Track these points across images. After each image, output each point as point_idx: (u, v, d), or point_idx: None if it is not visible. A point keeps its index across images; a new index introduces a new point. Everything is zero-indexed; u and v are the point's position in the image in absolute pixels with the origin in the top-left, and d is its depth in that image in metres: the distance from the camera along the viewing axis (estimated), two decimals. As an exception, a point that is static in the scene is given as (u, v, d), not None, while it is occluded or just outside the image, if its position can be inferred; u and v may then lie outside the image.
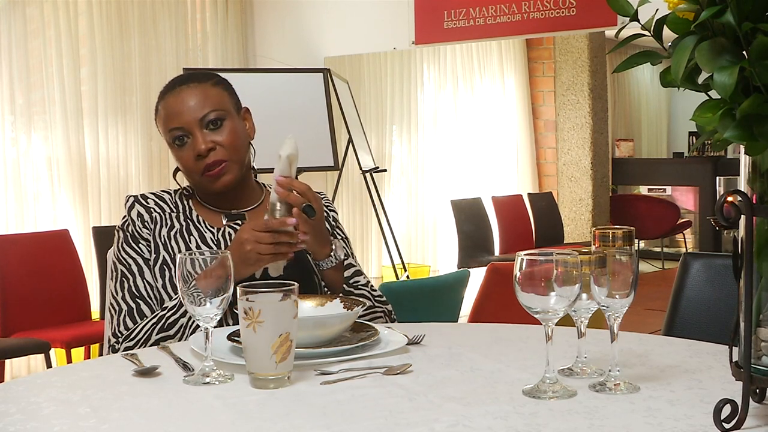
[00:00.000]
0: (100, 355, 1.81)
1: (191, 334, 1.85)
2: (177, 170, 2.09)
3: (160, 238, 2.00)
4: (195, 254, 1.53)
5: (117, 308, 1.95)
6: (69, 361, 4.27)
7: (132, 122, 5.65)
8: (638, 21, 1.30)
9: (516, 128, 8.87)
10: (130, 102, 5.65)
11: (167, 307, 1.89)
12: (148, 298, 1.95)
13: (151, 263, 1.98)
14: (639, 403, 1.32)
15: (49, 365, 4.23)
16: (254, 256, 1.81)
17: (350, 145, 5.69)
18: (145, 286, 1.96)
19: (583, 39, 8.52)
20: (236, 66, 6.15)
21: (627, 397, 1.35)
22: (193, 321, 1.82)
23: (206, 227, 2.03)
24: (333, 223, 2.17)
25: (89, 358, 4.49)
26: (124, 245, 2.00)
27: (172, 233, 2.01)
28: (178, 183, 2.10)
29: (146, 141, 5.71)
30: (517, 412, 1.29)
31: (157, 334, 1.86)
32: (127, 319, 1.93)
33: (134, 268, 1.97)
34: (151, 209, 2.03)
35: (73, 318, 4.60)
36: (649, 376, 1.47)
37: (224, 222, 2.05)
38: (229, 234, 2.02)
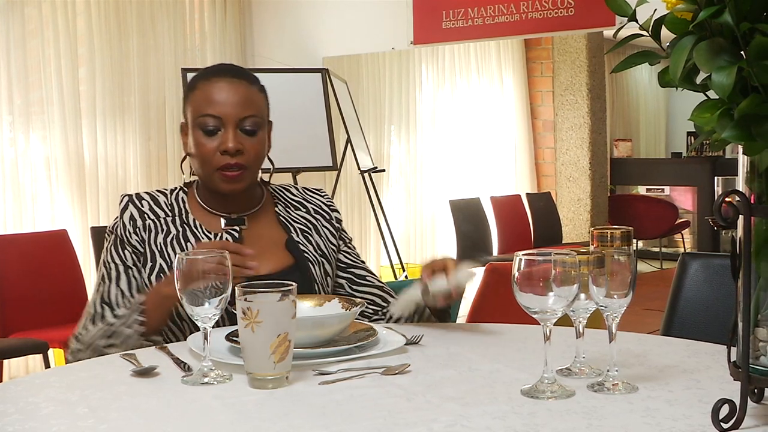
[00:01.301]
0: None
1: (134, 345, 1.80)
2: (186, 158, 2.03)
3: (156, 246, 1.95)
4: (190, 254, 1.52)
5: (87, 310, 1.94)
6: (67, 361, 4.26)
7: (130, 122, 5.65)
8: (636, 21, 1.30)
9: (514, 128, 8.87)
10: (128, 102, 5.64)
11: (117, 315, 1.86)
12: (115, 306, 1.91)
13: (134, 271, 1.94)
14: (637, 403, 1.32)
15: (47, 365, 4.23)
16: (197, 274, 1.68)
17: (349, 145, 5.69)
18: (116, 294, 1.92)
19: (581, 39, 8.52)
20: (234, 66, 6.14)
21: (625, 397, 1.35)
22: (135, 334, 1.80)
23: (203, 232, 1.98)
24: (337, 225, 2.13)
25: (87, 358, 4.48)
26: (111, 248, 1.97)
27: (169, 240, 1.96)
28: (182, 170, 2.04)
29: (144, 141, 5.71)
30: (515, 412, 1.29)
31: (100, 340, 1.83)
32: (89, 323, 1.91)
33: (113, 273, 1.94)
34: (145, 215, 1.98)
35: (72, 318, 4.55)
36: (647, 376, 1.48)
37: (222, 226, 2.00)
38: (227, 240, 1.97)
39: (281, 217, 2.07)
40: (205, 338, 1.50)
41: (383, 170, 6.98)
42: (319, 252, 2.05)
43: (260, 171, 2.10)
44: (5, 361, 4.50)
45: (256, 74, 2.04)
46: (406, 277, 6.06)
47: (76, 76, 5.38)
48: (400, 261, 6.18)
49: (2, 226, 5.04)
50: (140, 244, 1.95)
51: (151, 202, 2.01)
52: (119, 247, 1.96)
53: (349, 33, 6.12)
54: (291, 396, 1.40)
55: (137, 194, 2.03)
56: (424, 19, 5.73)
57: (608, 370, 1.41)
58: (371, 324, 1.82)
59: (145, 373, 1.54)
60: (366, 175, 5.87)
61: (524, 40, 8.78)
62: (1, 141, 5.06)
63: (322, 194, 2.19)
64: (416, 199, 8.09)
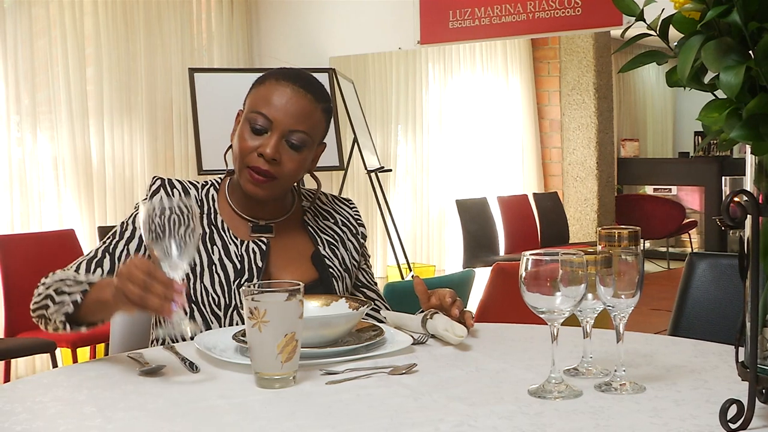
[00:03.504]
0: (106, 354, 1.80)
1: (55, 321, 1.76)
2: (230, 148, 1.98)
3: None
4: (164, 203, 1.54)
5: (89, 252, 1.93)
6: (75, 360, 4.27)
7: (137, 122, 5.66)
8: (644, 21, 1.30)
9: (521, 128, 8.86)
10: (135, 102, 5.66)
11: (79, 279, 1.76)
12: (116, 259, 1.89)
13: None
14: (644, 404, 1.32)
15: (54, 365, 4.24)
16: (120, 296, 1.55)
17: (355, 144, 5.69)
18: (122, 252, 1.90)
19: (588, 39, 8.51)
20: (241, 66, 6.15)
21: (632, 398, 1.35)
22: (65, 305, 1.74)
23: (231, 238, 1.95)
24: (362, 241, 2.12)
25: (95, 357, 4.49)
26: (135, 214, 1.93)
27: None
28: (225, 160, 1.99)
29: (152, 140, 5.72)
30: (522, 412, 1.29)
31: (58, 284, 1.77)
32: (84, 263, 1.88)
33: (127, 233, 1.92)
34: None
35: (79, 317, 4.59)
36: (654, 376, 1.47)
37: (250, 233, 1.97)
38: (254, 250, 1.94)
39: (309, 227, 2.05)
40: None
41: (390, 170, 6.99)
42: (343, 266, 2.03)
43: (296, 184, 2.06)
44: (12, 361, 4.51)
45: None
46: (413, 276, 6.07)
47: (84, 75, 5.39)
48: (407, 261, 6.18)
49: (9, 225, 5.05)
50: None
51: (182, 194, 1.98)
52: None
53: (356, 33, 6.13)
54: (298, 396, 1.40)
55: (169, 180, 1.99)
56: (430, 19, 5.73)
57: (615, 370, 1.41)
58: (378, 323, 1.82)
59: (153, 372, 1.54)
60: (373, 174, 5.87)
61: (531, 39, 8.77)
62: (9, 140, 5.08)
63: (351, 206, 2.15)
64: (423, 199, 8.09)
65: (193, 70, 5.20)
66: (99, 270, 1.89)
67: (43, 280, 1.85)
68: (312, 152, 1.96)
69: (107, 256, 1.91)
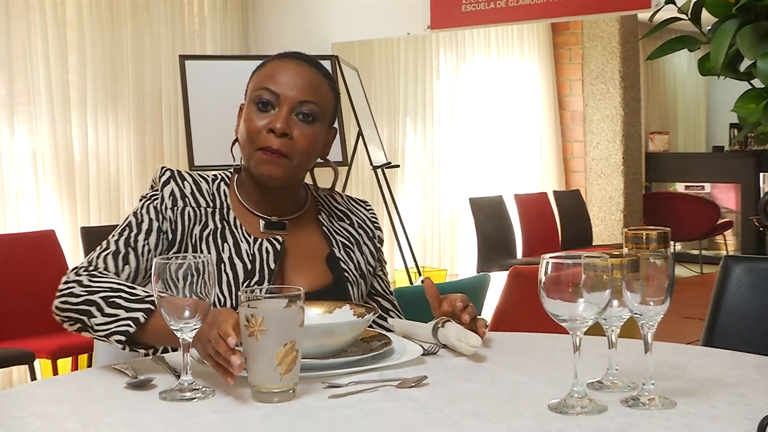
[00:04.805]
0: (89, 366, 1.80)
1: (106, 336, 1.73)
2: (236, 141, 1.99)
3: (191, 238, 1.92)
4: (173, 260, 1.49)
5: (105, 245, 1.89)
6: (55, 372, 4.28)
7: (123, 114, 5.67)
8: (674, 3, 1.30)
9: (540, 120, 8.86)
10: (121, 92, 5.66)
11: (136, 293, 1.74)
12: (140, 255, 1.88)
13: (164, 237, 1.91)
14: (675, 420, 1.32)
15: (33, 377, 4.25)
16: (199, 345, 1.55)
17: (360, 138, 5.69)
18: (144, 245, 1.89)
19: (613, 23, 8.50)
20: (236, 53, 6.16)
21: (662, 413, 1.35)
22: (125, 324, 1.70)
23: (243, 235, 1.94)
24: (378, 245, 2.13)
25: (77, 369, 4.50)
26: (148, 204, 1.93)
27: (206, 233, 1.93)
28: (232, 154, 2.00)
29: (139, 134, 5.73)
30: (542, 428, 1.29)
31: (102, 295, 1.75)
32: (110, 258, 1.86)
33: (144, 226, 1.91)
34: (187, 199, 1.94)
35: (60, 326, 4.56)
36: (686, 390, 1.47)
37: (262, 230, 1.97)
38: (267, 249, 1.93)
39: (324, 227, 2.06)
40: (187, 350, 1.50)
41: (398, 166, 6.98)
42: (359, 271, 2.04)
43: (311, 175, 2.08)
44: (-12, 373, 4.52)
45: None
46: (422, 281, 6.07)
47: (65, 64, 5.40)
48: (416, 264, 6.18)
49: (-15, 226, 5.06)
50: (172, 225, 1.92)
51: (194, 186, 1.98)
52: (157, 210, 1.92)
53: (361, 17, 6.13)
54: (298, 410, 1.40)
55: (179, 172, 1.99)
56: (442, 2, 5.73)
57: (644, 384, 1.41)
58: (386, 332, 1.82)
59: (141, 385, 1.54)
60: (379, 171, 5.87)
61: (551, 24, 8.76)
62: (-16, 134, 5.09)
63: (367, 207, 2.18)
64: (433, 197, 8.09)
65: (184, 57, 5.21)
66: (127, 267, 1.87)
67: (76, 278, 1.81)
68: (324, 128, 1.98)
69: (131, 252, 1.88)
